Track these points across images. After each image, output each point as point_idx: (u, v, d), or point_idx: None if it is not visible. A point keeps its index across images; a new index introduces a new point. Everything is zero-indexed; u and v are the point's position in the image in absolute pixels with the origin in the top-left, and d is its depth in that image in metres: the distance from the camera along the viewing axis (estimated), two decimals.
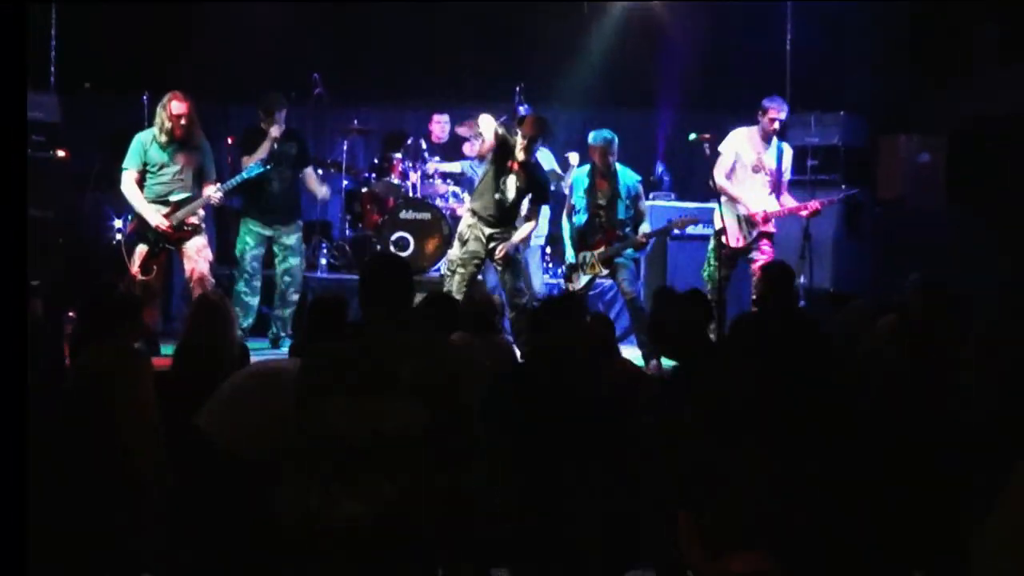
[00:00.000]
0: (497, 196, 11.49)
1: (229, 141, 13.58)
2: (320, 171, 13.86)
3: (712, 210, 12.00)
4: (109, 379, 6.84)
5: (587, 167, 12.14)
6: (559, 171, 13.55)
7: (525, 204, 11.64)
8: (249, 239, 12.25)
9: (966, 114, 13.66)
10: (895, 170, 13.46)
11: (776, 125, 11.95)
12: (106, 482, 6.76)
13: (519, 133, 11.45)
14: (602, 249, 11.87)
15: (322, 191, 13.15)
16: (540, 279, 13.06)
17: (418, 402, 5.34)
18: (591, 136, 12.07)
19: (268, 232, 12.31)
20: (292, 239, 12.41)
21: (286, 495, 5.47)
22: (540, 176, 11.75)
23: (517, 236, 11.55)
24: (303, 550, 5.42)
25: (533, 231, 11.90)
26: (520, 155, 11.42)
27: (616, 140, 11.94)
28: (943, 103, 14.01)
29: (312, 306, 8.17)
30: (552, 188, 12.60)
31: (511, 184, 11.45)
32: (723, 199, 11.84)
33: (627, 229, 11.95)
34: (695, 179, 14.41)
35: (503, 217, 11.53)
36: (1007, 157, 12.42)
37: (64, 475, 6.74)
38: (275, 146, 12.18)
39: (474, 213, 11.61)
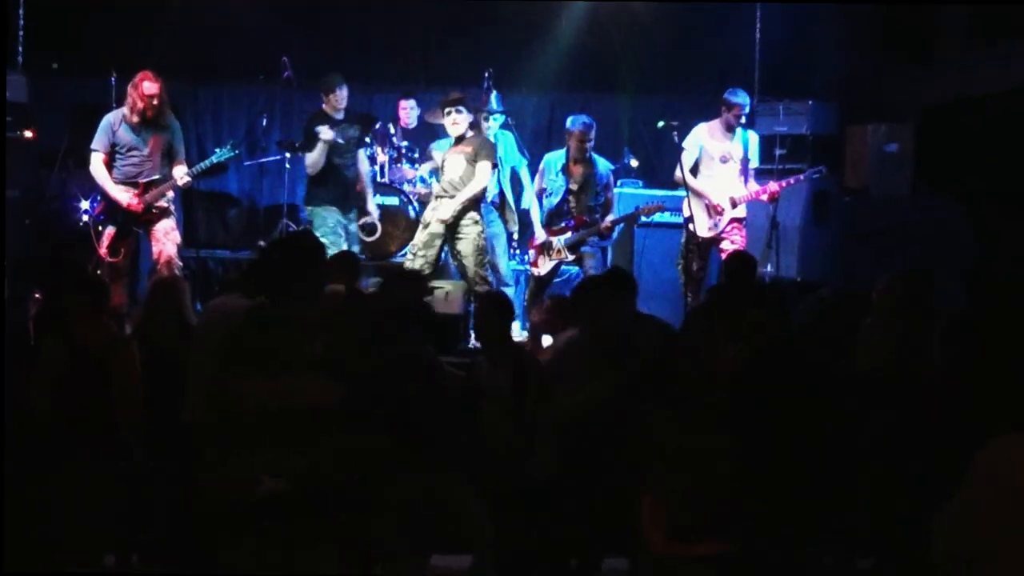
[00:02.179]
0: (448, 178, 11.56)
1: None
2: (288, 154, 13.92)
3: (680, 198, 12.05)
4: (106, 360, 7.16)
5: (561, 151, 12.10)
6: (523, 156, 13.54)
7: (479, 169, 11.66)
8: (340, 231, 12.28)
9: (934, 99, 13.69)
10: (863, 159, 13.47)
11: (741, 118, 12.06)
12: (96, 449, 7.02)
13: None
14: (569, 235, 11.86)
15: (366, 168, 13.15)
16: (507, 264, 13.01)
17: (327, 376, 5.41)
18: (569, 121, 12.09)
19: (345, 221, 12.39)
20: (354, 226, 12.50)
21: (210, 472, 5.57)
22: (479, 140, 11.77)
23: (459, 197, 11.51)
24: (231, 525, 5.51)
25: (479, 189, 11.71)
26: (453, 132, 11.62)
27: (595, 127, 11.96)
28: (911, 89, 14.05)
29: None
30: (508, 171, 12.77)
31: (455, 162, 11.57)
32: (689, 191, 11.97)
33: (595, 216, 11.95)
34: (663, 166, 14.42)
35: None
36: (975, 141, 12.45)
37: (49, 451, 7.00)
38: (343, 131, 12.37)
39: (437, 197, 11.68)
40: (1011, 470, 4.12)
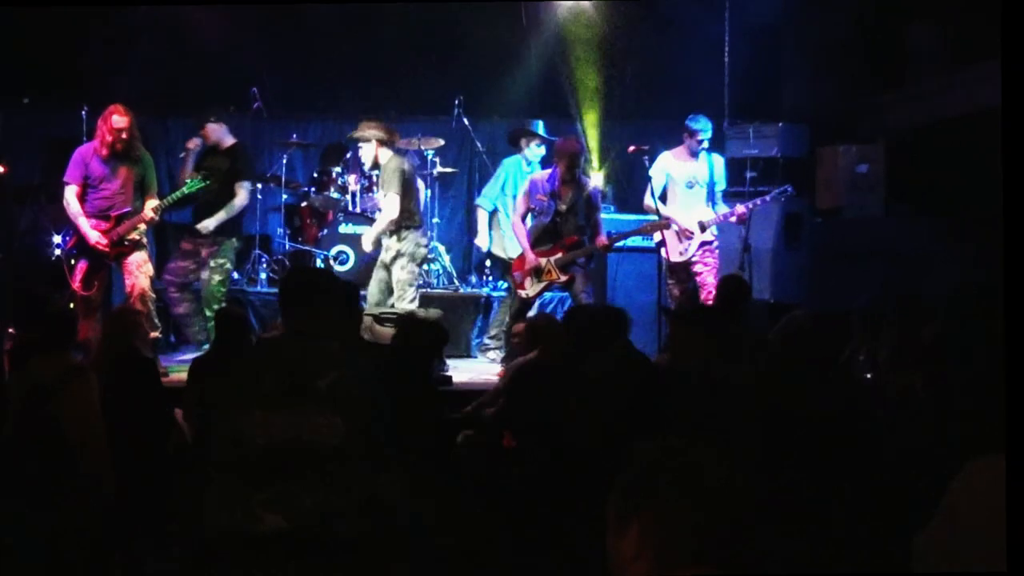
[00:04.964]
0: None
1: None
2: (259, 185, 13.90)
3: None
4: (56, 392, 7.03)
5: (545, 172, 12.10)
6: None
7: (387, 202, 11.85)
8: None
9: (905, 121, 13.73)
10: (834, 180, 13.50)
11: (702, 143, 12.13)
12: (54, 487, 6.91)
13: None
14: (560, 255, 11.81)
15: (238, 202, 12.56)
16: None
17: (335, 413, 5.34)
18: (559, 142, 12.20)
19: (192, 246, 12.29)
20: (203, 254, 12.28)
21: (211, 506, 5.49)
22: (386, 169, 11.94)
23: (372, 231, 12.02)
24: (228, 561, 5.43)
25: (384, 222, 11.90)
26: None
27: (585, 151, 12.10)
28: (881, 110, 14.09)
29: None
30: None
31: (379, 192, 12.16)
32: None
33: (585, 237, 11.91)
34: (634, 192, 14.46)
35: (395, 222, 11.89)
36: (946, 163, 12.49)
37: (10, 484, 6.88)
38: (212, 163, 12.33)
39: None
40: (986, 494, 4.12)
